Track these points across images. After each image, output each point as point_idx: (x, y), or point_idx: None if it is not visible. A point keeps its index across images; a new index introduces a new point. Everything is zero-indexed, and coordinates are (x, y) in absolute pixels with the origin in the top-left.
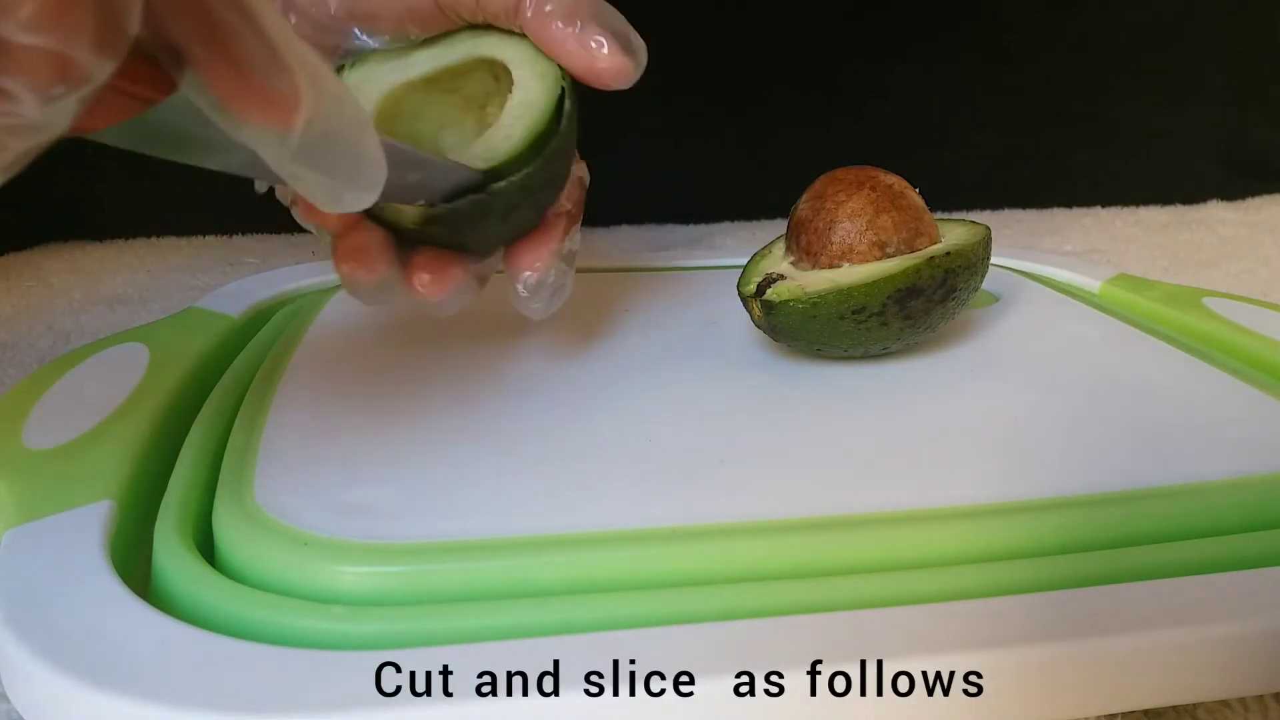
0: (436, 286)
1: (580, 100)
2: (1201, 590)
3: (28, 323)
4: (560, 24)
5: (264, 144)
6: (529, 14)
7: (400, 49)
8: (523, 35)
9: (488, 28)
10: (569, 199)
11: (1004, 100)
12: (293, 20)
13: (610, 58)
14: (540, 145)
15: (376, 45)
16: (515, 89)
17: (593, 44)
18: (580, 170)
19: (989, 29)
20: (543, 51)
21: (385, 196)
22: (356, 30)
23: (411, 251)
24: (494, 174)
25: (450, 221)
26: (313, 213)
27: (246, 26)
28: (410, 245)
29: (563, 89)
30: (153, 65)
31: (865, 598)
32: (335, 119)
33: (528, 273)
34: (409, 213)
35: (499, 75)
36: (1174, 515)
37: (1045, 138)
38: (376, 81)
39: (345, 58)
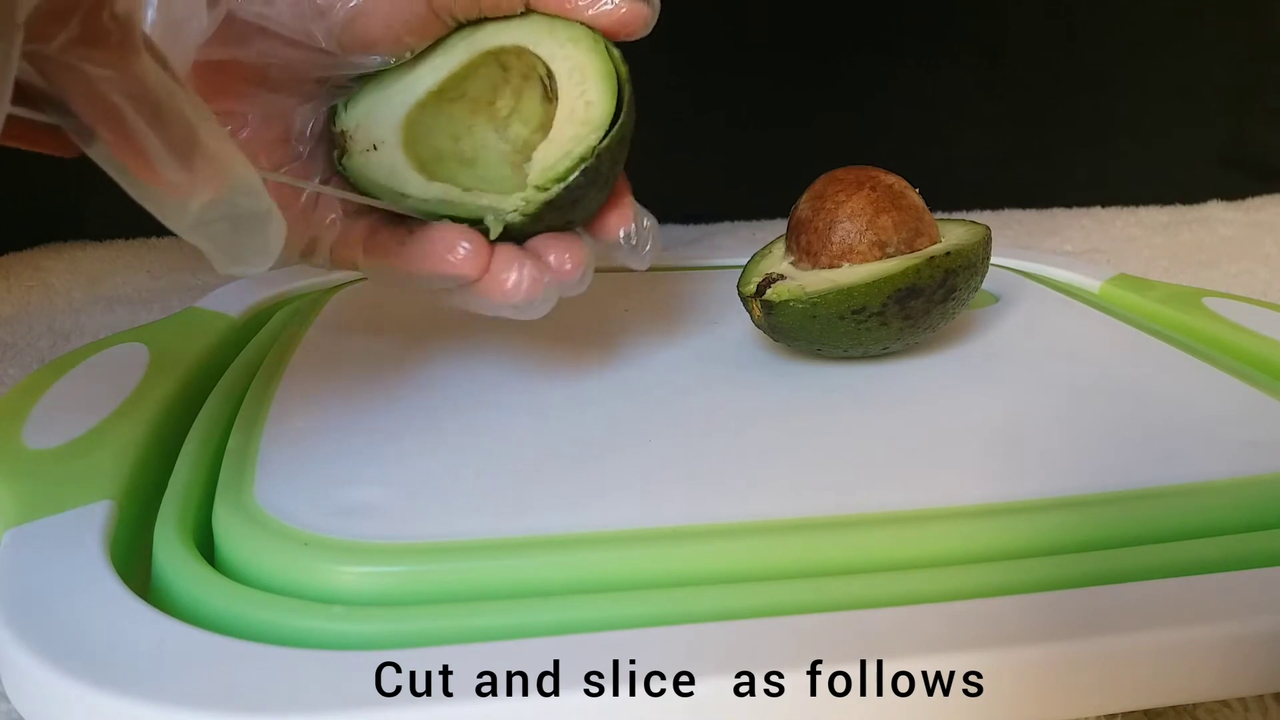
0: (574, 262)
1: None
2: (1201, 590)
3: (28, 323)
4: None
5: (162, 208)
6: None
7: (395, 70)
8: (521, 16)
9: (480, 22)
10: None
11: (1004, 100)
12: (270, 68)
13: (627, 4)
14: (620, 94)
15: (374, 65)
16: (555, 62)
17: None
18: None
19: (989, 28)
20: (559, 17)
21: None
22: (354, 59)
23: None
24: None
25: (564, 200)
26: (441, 265)
27: (151, 123)
28: (517, 242)
29: (603, 41)
30: (56, 132)
31: (865, 598)
32: (238, 205)
33: (623, 229)
34: (524, 210)
35: (507, 63)
36: (1174, 515)
37: (1045, 138)
38: (389, 112)
39: (338, 94)
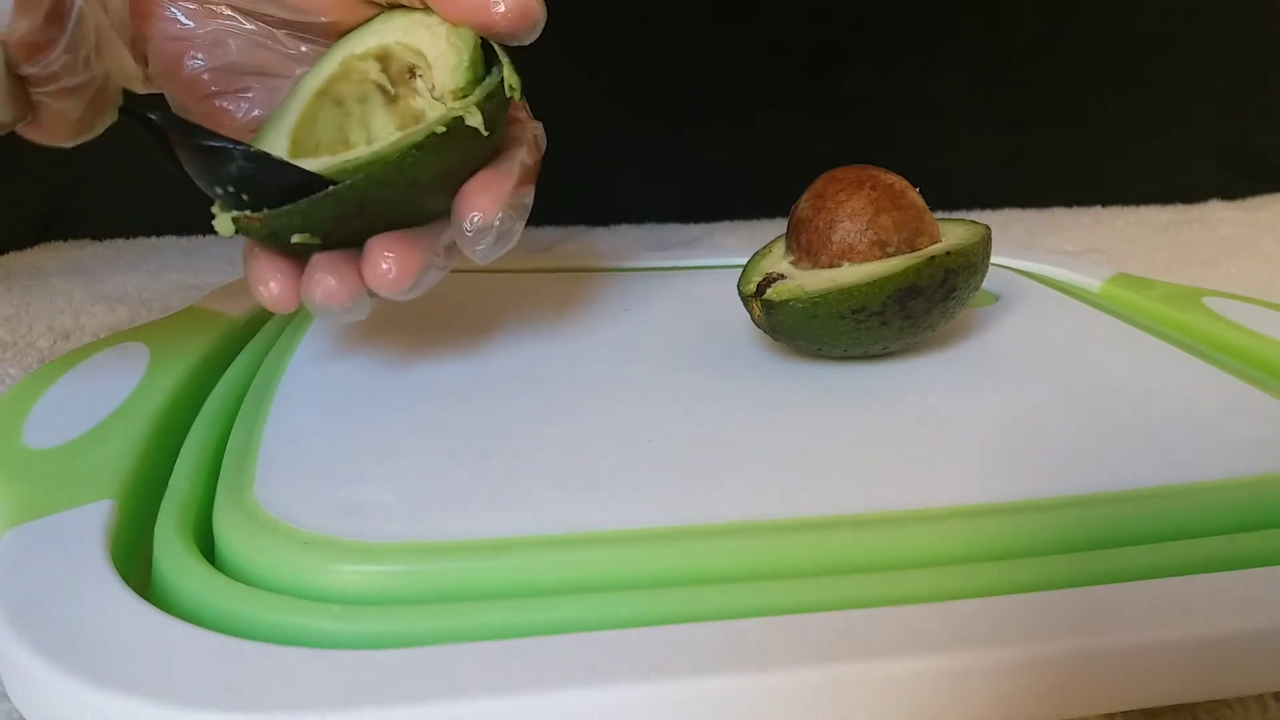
0: (400, 274)
1: (580, 102)
2: (1201, 590)
3: (28, 323)
4: None
5: None
6: None
7: (281, 105)
8: (412, 12)
9: (387, 15)
10: (529, 155)
11: (1004, 100)
12: (223, 19)
13: (511, 2)
14: (489, 57)
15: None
16: (428, 45)
17: None
18: (537, 130)
19: (989, 29)
20: (444, 18)
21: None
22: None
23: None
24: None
25: (460, 130)
26: (257, 293)
27: None
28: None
29: (477, 41)
30: None
31: (865, 598)
32: None
33: (477, 215)
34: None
35: (340, 97)
36: (1174, 515)
37: (1045, 138)
38: (279, 130)
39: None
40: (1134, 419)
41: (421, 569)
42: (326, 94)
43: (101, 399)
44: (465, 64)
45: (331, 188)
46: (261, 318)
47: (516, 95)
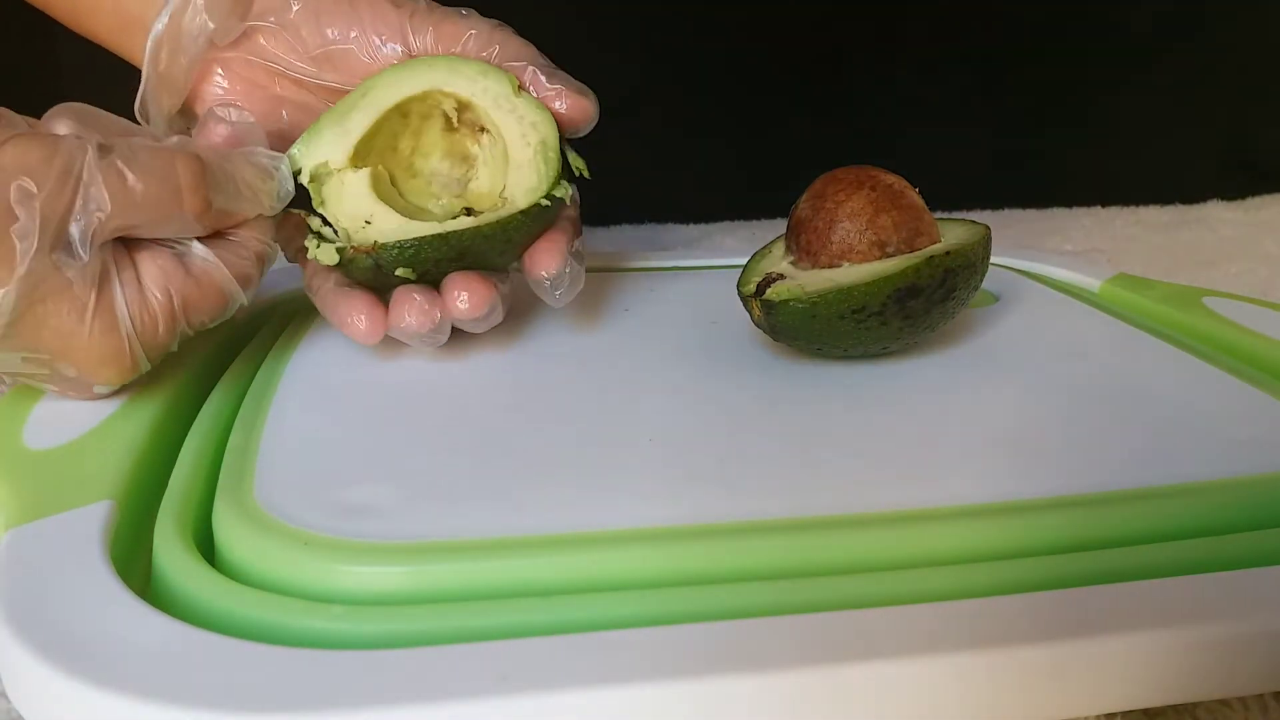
0: (474, 302)
1: None
2: (1201, 590)
3: None
4: (532, 73)
5: None
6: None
7: (338, 109)
8: (505, 85)
9: (483, 68)
10: (572, 209)
11: (1004, 100)
12: (279, 88)
13: (572, 99)
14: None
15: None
16: (508, 127)
17: (556, 90)
18: (573, 189)
19: (989, 29)
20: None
21: None
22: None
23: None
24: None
25: (534, 215)
26: (343, 326)
27: None
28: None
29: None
30: None
31: (865, 598)
32: None
33: (553, 267)
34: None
35: (406, 110)
36: (1174, 515)
37: (1045, 138)
38: (345, 133)
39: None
40: (1134, 419)
41: (421, 569)
42: (398, 108)
43: (101, 399)
44: (542, 190)
45: (445, 230)
46: (261, 318)
47: (586, 174)
